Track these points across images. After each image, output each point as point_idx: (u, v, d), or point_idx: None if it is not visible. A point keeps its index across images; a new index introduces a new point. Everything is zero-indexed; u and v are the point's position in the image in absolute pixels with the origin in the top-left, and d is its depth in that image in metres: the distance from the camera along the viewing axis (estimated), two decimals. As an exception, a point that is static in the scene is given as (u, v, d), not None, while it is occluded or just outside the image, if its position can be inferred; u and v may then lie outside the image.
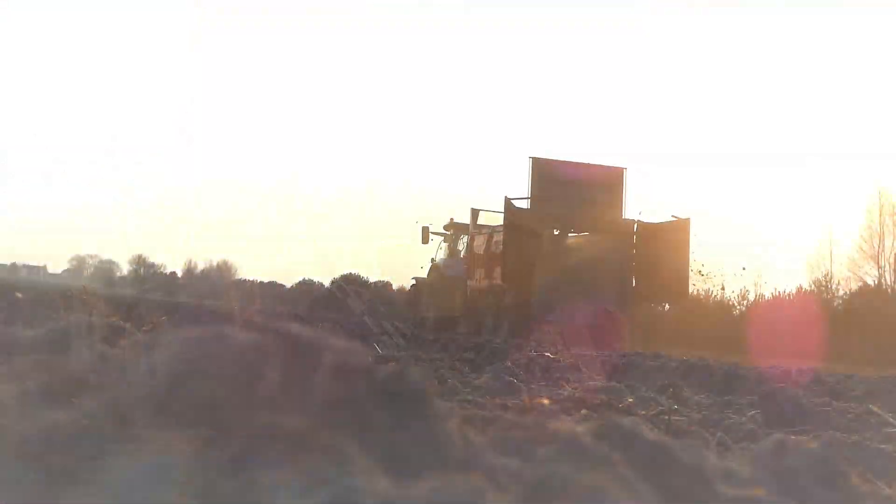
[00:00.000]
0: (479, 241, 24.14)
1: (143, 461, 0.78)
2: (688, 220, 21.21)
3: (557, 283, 20.34)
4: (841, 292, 32.09)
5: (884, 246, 32.60)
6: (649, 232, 21.92)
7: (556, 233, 22.38)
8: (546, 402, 2.71)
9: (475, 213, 25.09)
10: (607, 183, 21.99)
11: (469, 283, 24.12)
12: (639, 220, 22.00)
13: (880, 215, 32.89)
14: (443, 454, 0.96)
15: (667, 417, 2.88)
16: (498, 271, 21.52)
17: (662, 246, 21.44)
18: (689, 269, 21.68)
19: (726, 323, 29.49)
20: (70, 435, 0.82)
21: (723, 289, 31.26)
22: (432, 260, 26.75)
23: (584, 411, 2.76)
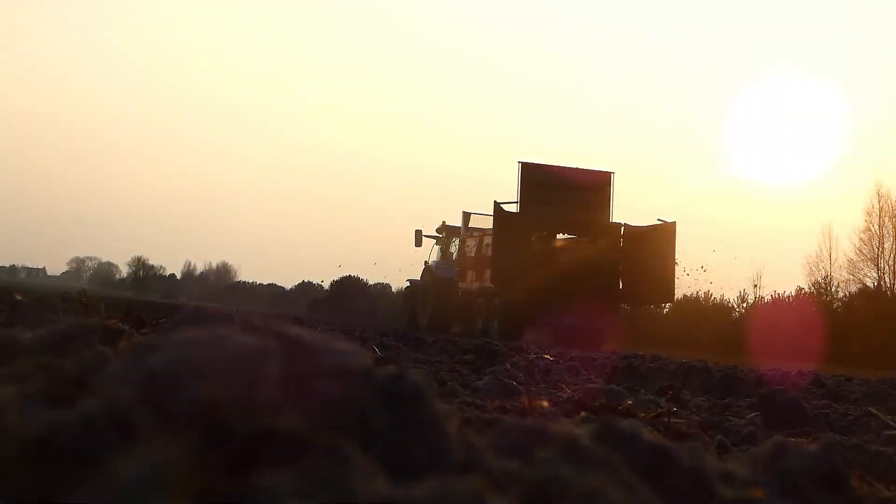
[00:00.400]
0: (471, 244, 24.43)
1: (143, 463, 0.78)
2: (673, 223, 21.49)
3: (546, 284, 20.57)
4: (840, 294, 32.16)
5: (883, 248, 32.67)
6: (636, 235, 22.21)
7: (544, 236, 22.61)
8: (546, 404, 2.71)
9: (466, 216, 25.35)
10: (595, 187, 22.28)
11: (461, 285, 24.41)
12: (625, 224, 22.25)
13: (880, 217, 32.96)
14: (443, 456, 0.96)
15: (666, 420, 2.88)
16: (488, 273, 21.76)
17: (649, 249, 21.73)
18: (675, 271, 21.97)
19: (726, 325, 29.58)
20: (69, 437, 0.82)
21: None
22: (425, 262, 26.94)
23: (583, 413, 2.76)
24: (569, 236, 23.15)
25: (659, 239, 21.62)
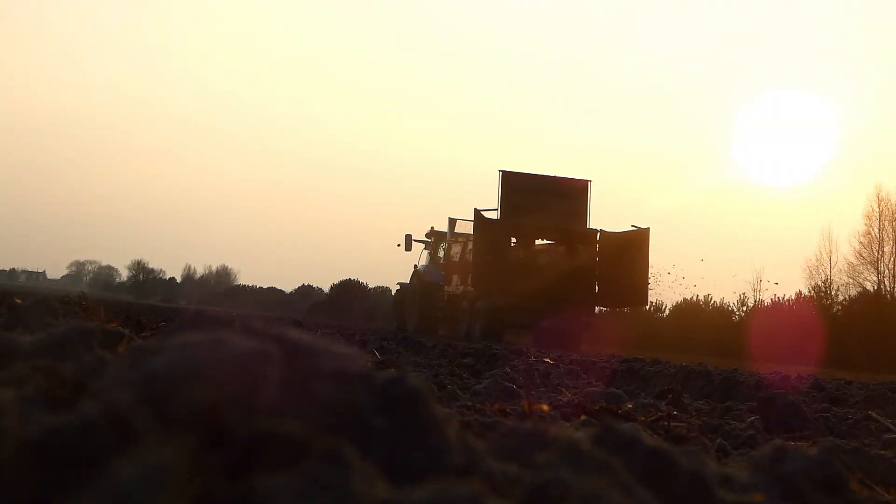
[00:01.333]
0: (456, 249, 24.97)
1: (142, 466, 0.78)
2: (647, 229, 21.98)
3: (525, 289, 21.04)
4: (840, 298, 32.14)
5: (883, 252, 32.66)
6: (611, 240, 22.71)
7: (523, 242, 23.14)
8: (545, 407, 2.72)
9: (452, 222, 25.79)
10: (573, 194, 22.80)
11: (446, 288, 24.92)
12: (601, 230, 22.76)
13: (880, 221, 32.95)
14: (442, 459, 0.96)
15: (666, 423, 2.88)
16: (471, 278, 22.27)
17: (623, 254, 22.24)
18: (649, 275, 22.50)
19: (726, 329, 29.59)
20: (68, 440, 0.82)
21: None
22: (415, 266, 27.38)
23: (583, 417, 2.76)
24: (547, 242, 23.59)
25: (633, 244, 22.13)
